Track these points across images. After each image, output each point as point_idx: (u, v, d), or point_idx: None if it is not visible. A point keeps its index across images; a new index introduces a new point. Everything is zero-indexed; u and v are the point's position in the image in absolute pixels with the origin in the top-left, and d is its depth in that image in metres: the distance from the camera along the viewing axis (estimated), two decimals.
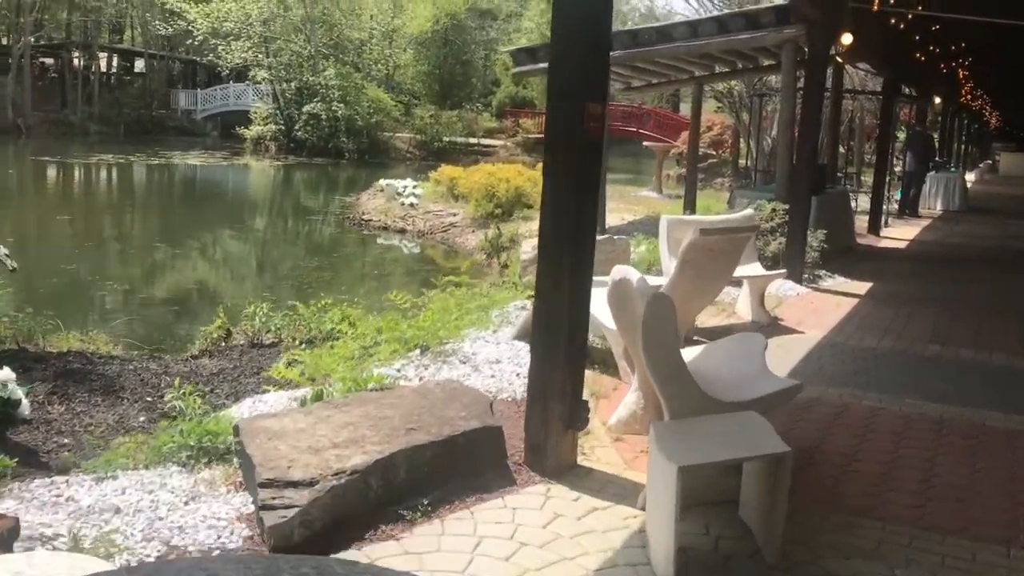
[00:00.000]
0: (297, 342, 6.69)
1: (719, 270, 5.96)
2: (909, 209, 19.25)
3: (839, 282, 10.57)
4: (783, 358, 6.97)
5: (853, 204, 16.71)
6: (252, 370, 6.14)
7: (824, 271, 10.82)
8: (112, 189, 28.04)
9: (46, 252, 15.20)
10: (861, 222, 15.72)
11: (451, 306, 7.11)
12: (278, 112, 39.46)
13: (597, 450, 4.78)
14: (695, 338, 7.55)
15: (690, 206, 15.77)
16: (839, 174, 20.23)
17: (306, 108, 38.01)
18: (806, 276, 10.35)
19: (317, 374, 5.17)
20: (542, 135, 29.07)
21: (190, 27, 38.61)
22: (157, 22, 43.57)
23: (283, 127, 38.92)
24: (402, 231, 17.44)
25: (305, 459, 3.74)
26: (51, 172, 29.55)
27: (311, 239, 18.76)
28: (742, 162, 26.86)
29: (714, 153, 33.52)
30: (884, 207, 16.88)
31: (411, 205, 17.91)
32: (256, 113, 40.26)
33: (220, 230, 18.92)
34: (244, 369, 6.19)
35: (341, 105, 37.42)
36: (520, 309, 7.79)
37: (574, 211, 4.12)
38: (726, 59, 14.38)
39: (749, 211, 8.57)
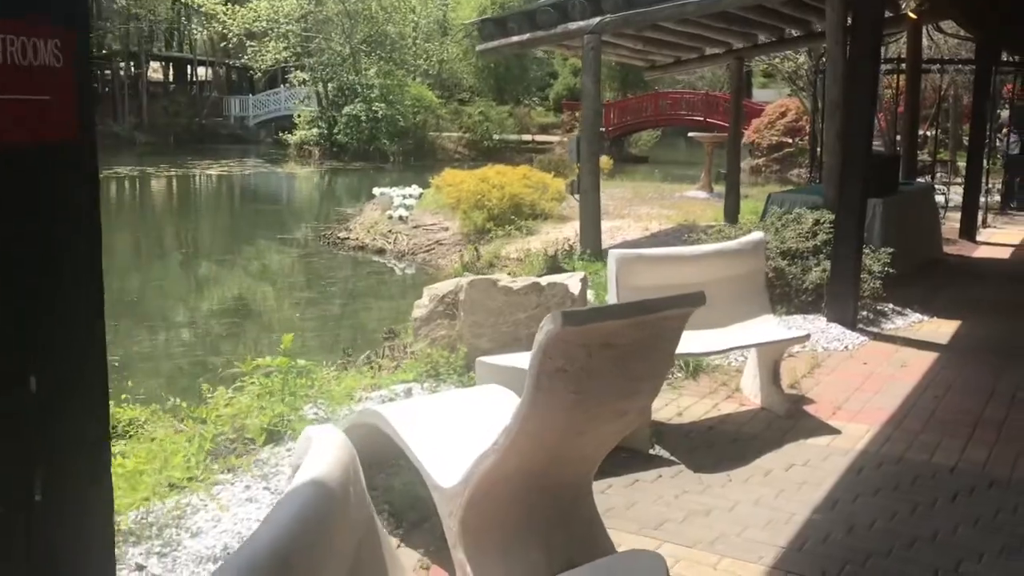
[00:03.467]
0: None
1: (630, 377, 3.07)
2: (1017, 203, 15.72)
3: (911, 322, 7.49)
4: (792, 496, 4.07)
5: (942, 201, 13.51)
6: None
7: (890, 305, 7.75)
8: None
9: None
10: (955, 223, 12.48)
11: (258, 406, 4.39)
12: (320, 115, 37.47)
13: None
14: (652, 450, 4.66)
15: (731, 212, 12.72)
16: (927, 161, 16.93)
17: (346, 110, 35.76)
18: (863, 315, 7.32)
19: None
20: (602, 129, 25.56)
21: (224, 30, 36.83)
22: (193, 27, 42.07)
23: (325, 131, 36.85)
24: (380, 251, 14.55)
25: None
26: None
27: (259, 270, 15.58)
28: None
29: (790, 142, 30.40)
30: (983, 202, 13.58)
31: (400, 218, 15.12)
32: (300, 117, 38.34)
33: (163, 258, 16.30)
34: None
35: (382, 105, 35.02)
36: (388, 399, 5.05)
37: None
38: (768, 24, 11.31)
39: (756, 236, 5.60)
